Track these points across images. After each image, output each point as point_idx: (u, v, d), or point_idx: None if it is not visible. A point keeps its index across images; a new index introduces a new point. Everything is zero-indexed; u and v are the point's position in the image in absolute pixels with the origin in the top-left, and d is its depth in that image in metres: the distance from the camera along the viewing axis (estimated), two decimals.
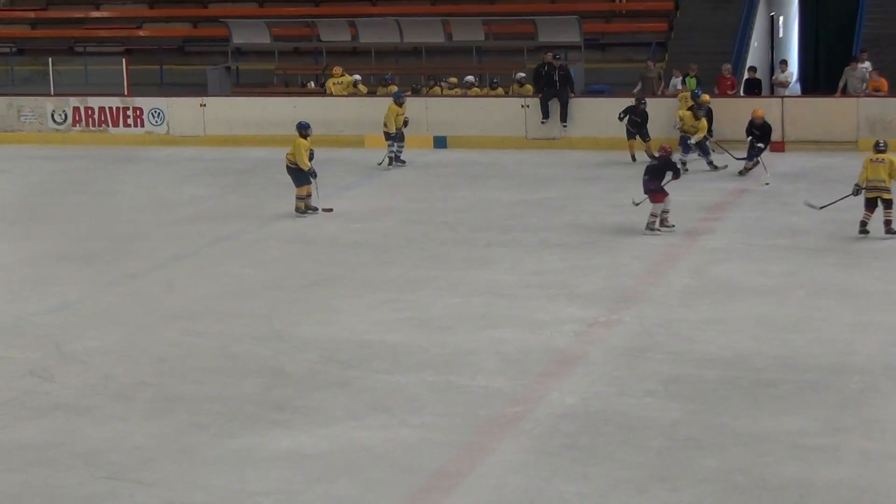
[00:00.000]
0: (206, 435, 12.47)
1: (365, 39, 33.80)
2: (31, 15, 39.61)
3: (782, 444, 11.83)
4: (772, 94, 30.48)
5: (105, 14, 39.08)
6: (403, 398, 13.31)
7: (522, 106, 29.00)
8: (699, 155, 25.68)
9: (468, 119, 29.38)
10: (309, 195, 21.92)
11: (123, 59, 33.63)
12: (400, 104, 26.91)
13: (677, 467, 11.39)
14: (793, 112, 27.92)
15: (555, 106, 28.93)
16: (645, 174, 20.73)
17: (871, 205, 19.71)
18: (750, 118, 25.29)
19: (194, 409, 13.17)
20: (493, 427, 12.52)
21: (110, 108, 31.67)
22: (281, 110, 30.47)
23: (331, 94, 31.13)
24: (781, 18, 36.95)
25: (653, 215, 20.28)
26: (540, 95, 28.90)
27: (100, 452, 12.12)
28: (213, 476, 11.52)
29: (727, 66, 29.55)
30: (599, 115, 28.66)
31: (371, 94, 31.17)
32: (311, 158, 21.90)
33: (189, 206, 23.51)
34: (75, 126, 31.78)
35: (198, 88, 32.83)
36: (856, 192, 20.06)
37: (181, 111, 31.32)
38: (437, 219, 21.76)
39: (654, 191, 20.43)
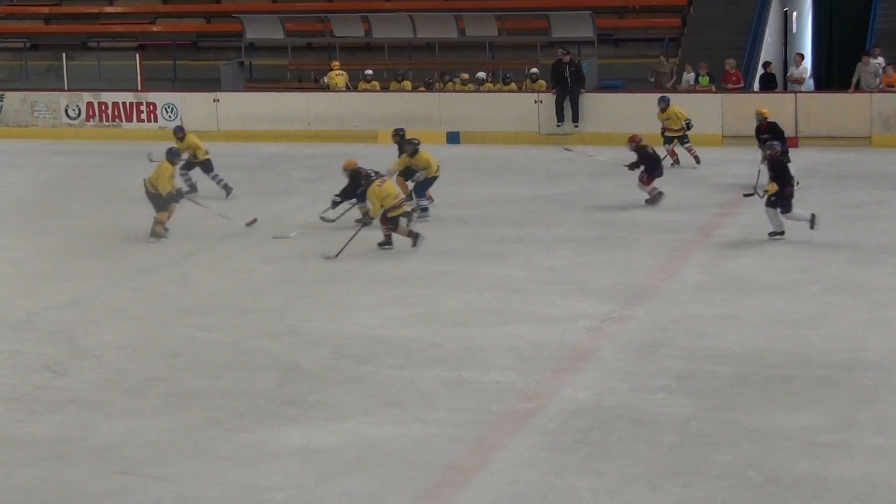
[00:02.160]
0: (219, 430, 12.48)
1: (378, 35, 33.80)
2: (45, 10, 39.66)
3: (795, 441, 11.81)
4: (786, 89, 30.41)
5: (119, 9, 39.12)
6: (416, 394, 13.31)
7: (535, 101, 28.99)
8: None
9: (481, 114, 29.38)
10: (168, 219, 20.89)
11: (137, 55, 33.67)
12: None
13: (690, 463, 11.38)
14: (806, 108, 27.89)
15: (567, 106, 28.92)
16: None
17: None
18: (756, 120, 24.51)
19: (207, 404, 13.18)
20: (506, 423, 12.52)
21: (124, 104, 31.74)
22: (294, 105, 30.54)
23: (336, 89, 31.16)
24: (795, 14, 36.88)
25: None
26: (555, 97, 28.86)
27: (113, 447, 12.13)
28: (225, 471, 11.53)
29: (731, 62, 29.52)
30: (612, 110, 28.67)
31: (384, 89, 31.16)
32: (178, 193, 21.03)
33: (201, 201, 23.45)
34: (89, 121, 31.85)
35: (211, 84, 32.86)
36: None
37: (194, 106, 31.37)
38: (449, 214, 21.74)
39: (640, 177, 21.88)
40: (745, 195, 20.49)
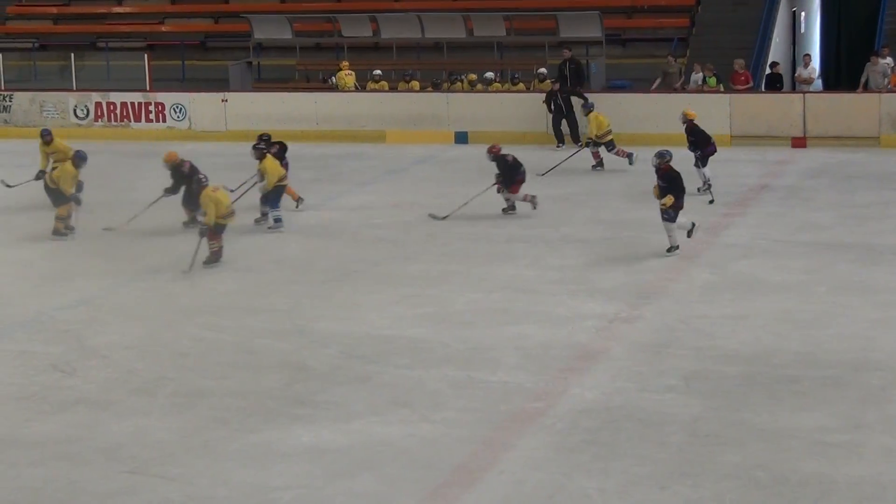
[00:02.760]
0: (227, 430, 12.50)
1: (386, 35, 33.82)
2: (54, 10, 39.73)
3: (803, 441, 11.81)
4: (793, 89, 30.38)
5: (127, 10, 39.19)
6: (424, 393, 13.32)
7: (544, 101, 28.94)
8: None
9: (489, 114, 29.37)
10: (69, 215, 21.00)
11: (145, 55, 33.70)
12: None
13: (698, 463, 11.38)
14: (815, 108, 27.84)
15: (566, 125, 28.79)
16: None
17: None
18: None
19: (215, 403, 13.20)
20: (514, 422, 12.52)
21: (132, 104, 31.75)
22: (302, 105, 30.54)
23: (344, 89, 31.19)
24: (803, 14, 36.86)
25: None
26: (551, 118, 28.65)
27: (121, 447, 12.15)
28: (234, 471, 11.54)
29: (739, 62, 29.48)
30: (620, 110, 28.61)
31: (392, 89, 31.18)
32: (79, 189, 21.17)
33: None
34: (97, 121, 31.88)
35: (219, 84, 32.89)
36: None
37: (203, 106, 31.40)
38: (457, 214, 21.74)
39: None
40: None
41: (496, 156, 21.68)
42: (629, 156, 25.34)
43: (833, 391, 13.09)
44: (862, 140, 27.31)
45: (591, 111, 25.85)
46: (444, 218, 21.10)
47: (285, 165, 21.75)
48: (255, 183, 21.45)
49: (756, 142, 27.39)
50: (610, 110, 27.77)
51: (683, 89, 29.44)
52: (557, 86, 28.60)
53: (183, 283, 18.01)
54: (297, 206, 22.20)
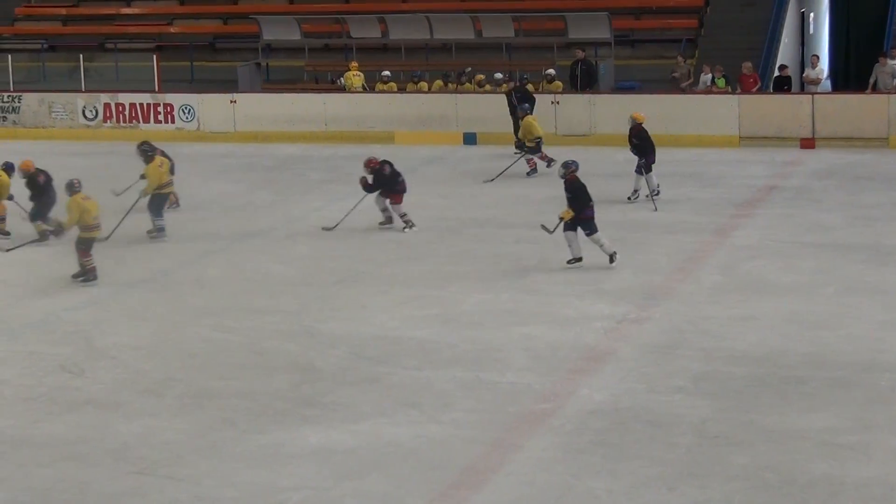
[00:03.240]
0: (235, 431, 12.51)
1: (395, 36, 33.81)
2: (63, 11, 39.75)
3: (812, 442, 11.80)
4: (802, 90, 30.34)
5: (136, 10, 39.21)
6: (432, 394, 13.32)
7: (552, 102, 28.95)
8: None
9: (498, 115, 29.32)
10: (3, 219, 21.22)
11: (154, 56, 33.73)
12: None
13: (707, 464, 11.37)
14: (823, 109, 27.79)
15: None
16: None
17: None
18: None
19: (224, 404, 13.21)
20: (523, 423, 12.52)
21: (141, 105, 31.78)
22: (311, 107, 30.55)
23: (353, 90, 31.21)
24: (812, 15, 36.80)
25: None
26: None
27: (129, 448, 12.17)
28: (242, 472, 11.55)
29: (747, 65, 29.43)
30: (629, 111, 28.54)
31: (401, 90, 31.17)
32: (10, 198, 21.20)
33: (219, 202, 23.56)
34: (106, 122, 31.91)
35: (228, 85, 32.90)
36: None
37: (212, 107, 31.41)
38: (466, 215, 21.76)
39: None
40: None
41: (374, 169, 20.93)
42: (548, 161, 25.11)
43: (841, 392, 13.07)
44: (871, 141, 27.27)
45: (525, 115, 25.57)
46: (333, 228, 20.68)
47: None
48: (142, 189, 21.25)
49: (765, 143, 27.35)
50: (619, 111, 27.78)
51: (693, 90, 29.41)
52: (512, 85, 28.53)
53: (190, 284, 18.02)
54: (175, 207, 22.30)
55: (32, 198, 20.90)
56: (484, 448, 11.95)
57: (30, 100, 32.62)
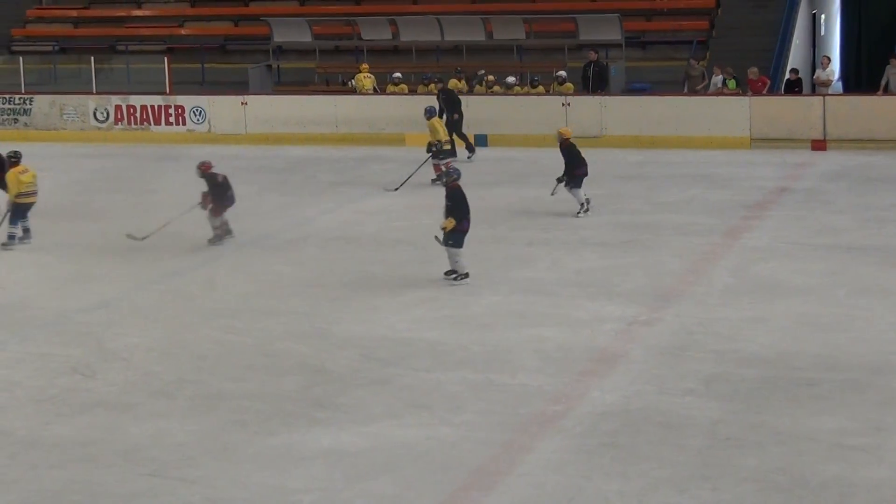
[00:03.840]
0: (246, 432, 12.51)
1: (406, 38, 33.86)
2: (74, 14, 39.84)
3: (823, 444, 11.77)
4: (813, 92, 30.33)
5: (147, 13, 39.29)
6: (443, 396, 13.31)
7: (563, 104, 28.96)
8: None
9: (509, 117, 29.38)
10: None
11: (165, 58, 33.78)
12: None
13: (717, 466, 11.35)
14: (834, 110, 27.78)
15: None
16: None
17: None
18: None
19: (235, 406, 13.21)
20: (533, 425, 12.51)
21: (152, 107, 31.83)
22: (322, 109, 30.58)
23: (364, 91, 31.24)
24: (823, 16, 36.79)
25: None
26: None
27: (141, 449, 12.17)
28: (253, 473, 11.55)
29: (753, 70, 29.40)
30: (640, 113, 28.63)
31: (412, 91, 31.19)
32: None
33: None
34: (117, 124, 31.96)
35: (239, 87, 32.96)
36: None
37: (222, 109, 31.46)
38: (476, 217, 21.69)
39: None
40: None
41: (205, 173, 20.37)
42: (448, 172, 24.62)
43: (853, 394, 13.05)
44: (882, 143, 27.24)
45: (430, 117, 25.28)
46: (144, 238, 20.02)
47: None
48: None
49: (776, 144, 27.33)
50: (630, 113, 27.85)
51: (705, 92, 29.40)
52: (441, 85, 28.50)
53: (201, 285, 18.03)
54: None
55: None
56: (494, 450, 11.93)
57: (41, 102, 32.68)
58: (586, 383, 13.61)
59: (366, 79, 31.70)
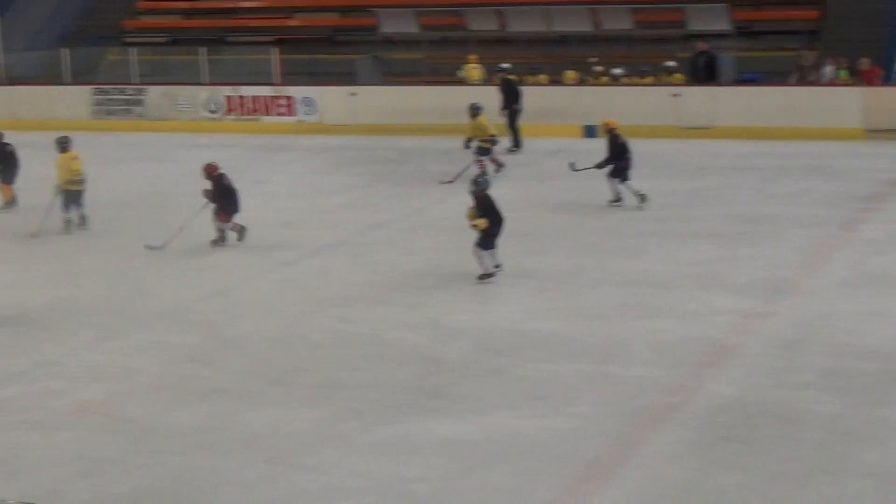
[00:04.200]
0: (362, 421, 12.59)
1: (513, 28, 33.79)
2: (184, 5, 40.22)
3: None
4: None
5: (256, 4, 39.56)
6: (558, 387, 13.31)
7: (673, 95, 28.77)
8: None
9: (618, 108, 29.19)
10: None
11: (274, 49, 34.02)
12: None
13: (837, 461, 11.25)
14: None
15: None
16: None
17: None
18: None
19: (350, 395, 13.30)
20: (649, 417, 12.47)
21: (262, 97, 32.08)
22: (430, 99, 30.62)
23: (471, 82, 31.27)
24: None
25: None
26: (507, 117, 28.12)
27: (259, 437, 12.29)
28: (370, 462, 11.62)
29: (865, 60, 28.99)
30: (751, 104, 28.37)
31: (520, 82, 31.09)
32: None
33: (341, 194, 23.71)
34: (228, 115, 32.24)
35: (347, 77, 33.10)
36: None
37: (332, 100, 31.64)
38: (588, 208, 21.68)
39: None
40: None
41: (211, 175, 20.02)
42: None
43: None
44: None
45: (476, 115, 25.23)
46: (162, 247, 19.58)
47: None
48: None
49: (891, 136, 26.94)
50: (741, 104, 27.61)
51: (816, 82, 29.07)
52: (503, 76, 28.58)
53: (316, 275, 18.14)
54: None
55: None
56: (610, 441, 11.91)
57: (154, 93, 33.09)
58: (702, 376, 13.54)
59: (473, 70, 31.72)
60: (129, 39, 38.27)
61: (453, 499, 10.92)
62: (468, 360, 14.26)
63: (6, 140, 23.29)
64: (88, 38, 37.70)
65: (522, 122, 28.13)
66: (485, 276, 17.36)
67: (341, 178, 25.06)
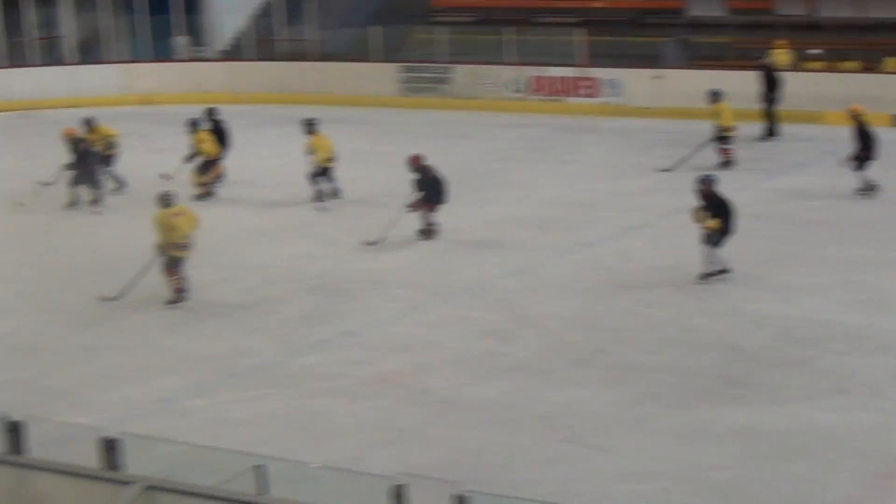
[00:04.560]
0: (659, 405, 12.58)
1: (823, 13, 33.00)
2: None
3: None
4: None
5: None
6: (861, 381, 13.04)
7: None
8: None
9: None
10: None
11: (580, 30, 34.04)
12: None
13: None
14: None
15: None
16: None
17: None
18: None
19: (648, 378, 13.29)
20: None
21: (566, 78, 32.18)
22: (737, 84, 30.17)
23: (779, 67, 30.69)
24: None
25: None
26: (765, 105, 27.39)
27: (556, 416, 12.42)
28: (667, 447, 11.62)
29: None
30: None
31: (830, 69, 30.40)
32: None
33: (644, 176, 23.57)
34: (533, 95, 32.44)
35: (652, 60, 32.88)
36: None
37: (637, 82, 31.49)
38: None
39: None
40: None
41: (418, 167, 19.37)
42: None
43: None
44: None
45: (716, 101, 24.53)
46: (376, 243, 18.84)
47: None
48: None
49: None
50: None
51: None
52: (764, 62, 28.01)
53: (618, 257, 18.07)
54: None
55: (74, 164, 22.10)
56: None
57: (461, 71, 33.52)
58: None
59: (782, 55, 31.12)
60: (436, 18, 38.82)
61: (750, 488, 10.84)
62: (770, 349, 14.08)
63: (220, 116, 23.84)
64: (398, 16, 38.39)
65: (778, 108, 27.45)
66: (708, 275, 16.63)
67: (645, 160, 24.88)
